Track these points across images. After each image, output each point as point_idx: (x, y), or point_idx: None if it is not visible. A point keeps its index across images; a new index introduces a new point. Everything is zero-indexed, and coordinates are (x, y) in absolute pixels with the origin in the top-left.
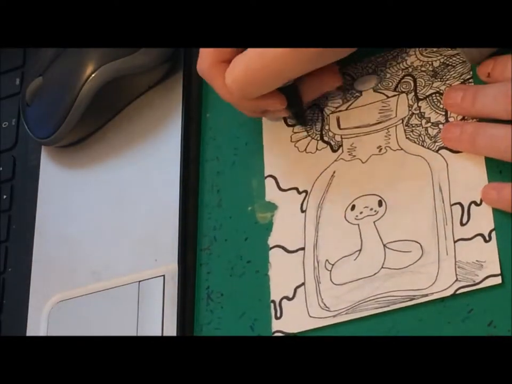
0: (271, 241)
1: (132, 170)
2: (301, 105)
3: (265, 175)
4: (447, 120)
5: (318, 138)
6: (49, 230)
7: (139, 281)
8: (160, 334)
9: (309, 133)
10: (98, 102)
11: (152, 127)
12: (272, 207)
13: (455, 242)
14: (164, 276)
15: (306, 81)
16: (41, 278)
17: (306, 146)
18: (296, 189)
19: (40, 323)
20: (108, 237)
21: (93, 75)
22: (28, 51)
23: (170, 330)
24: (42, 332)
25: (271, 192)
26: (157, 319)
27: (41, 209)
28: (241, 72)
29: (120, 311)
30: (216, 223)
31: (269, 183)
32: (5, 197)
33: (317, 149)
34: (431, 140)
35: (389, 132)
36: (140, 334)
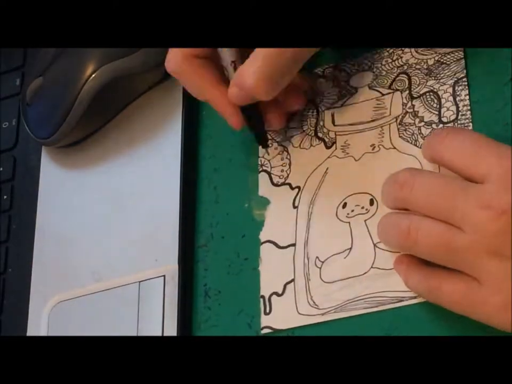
0: (263, 236)
1: (132, 170)
2: (262, 127)
3: (259, 169)
4: (440, 120)
5: (313, 134)
6: (49, 230)
7: (139, 282)
8: (160, 334)
9: (304, 129)
10: (98, 102)
11: (152, 127)
12: (266, 202)
13: None
14: (164, 276)
15: (270, 103)
16: (41, 278)
17: (301, 142)
18: (289, 184)
19: (40, 323)
20: (108, 237)
21: (93, 75)
22: (28, 51)
23: (171, 330)
24: (42, 332)
25: (264, 187)
26: (157, 319)
27: (41, 209)
28: (266, 67)
29: (120, 311)
30: (213, 220)
31: (262, 177)
32: (5, 197)
33: (311, 145)
34: (423, 139)
35: (382, 130)
36: (140, 334)
